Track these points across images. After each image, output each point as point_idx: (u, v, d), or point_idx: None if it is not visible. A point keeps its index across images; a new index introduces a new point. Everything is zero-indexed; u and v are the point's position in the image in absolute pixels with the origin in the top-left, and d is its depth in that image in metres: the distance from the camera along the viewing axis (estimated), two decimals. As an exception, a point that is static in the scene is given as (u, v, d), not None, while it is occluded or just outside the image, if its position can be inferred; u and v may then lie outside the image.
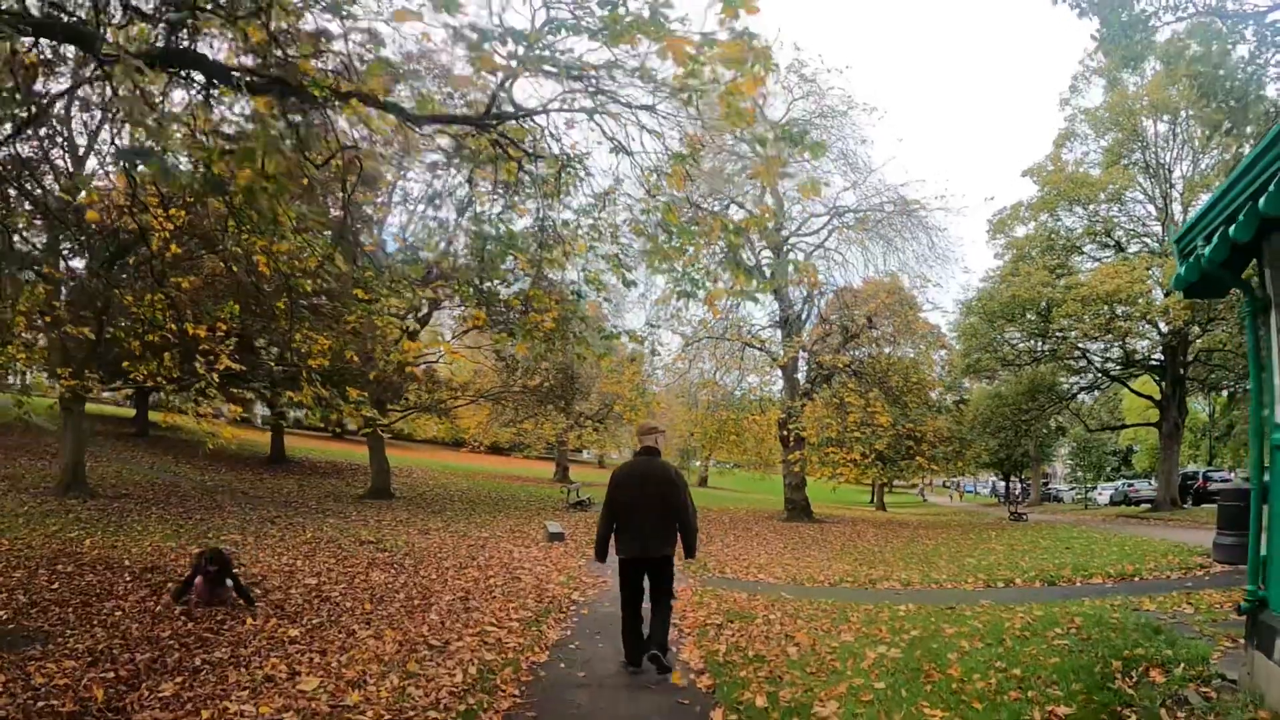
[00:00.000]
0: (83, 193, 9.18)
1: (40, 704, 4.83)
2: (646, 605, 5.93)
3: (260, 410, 35.55)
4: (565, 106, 6.60)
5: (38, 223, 14.67)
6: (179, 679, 5.35)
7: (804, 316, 26.03)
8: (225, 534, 12.73)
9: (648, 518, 5.73)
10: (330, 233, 8.80)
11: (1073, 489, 48.18)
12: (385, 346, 10.76)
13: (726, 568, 12.46)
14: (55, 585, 7.86)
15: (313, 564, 10.55)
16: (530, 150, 6.86)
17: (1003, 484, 53.84)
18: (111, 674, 5.37)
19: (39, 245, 15.02)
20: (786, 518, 24.32)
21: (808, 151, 5.26)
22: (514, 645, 6.59)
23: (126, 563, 9.39)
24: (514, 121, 6.50)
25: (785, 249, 25.23)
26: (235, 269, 10.18)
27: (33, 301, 9.72)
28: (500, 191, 7.40)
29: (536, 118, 6.29)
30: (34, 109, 6.89)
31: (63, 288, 14.52)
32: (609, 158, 7.01)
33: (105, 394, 34.20)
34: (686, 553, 5.97)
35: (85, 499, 14.77)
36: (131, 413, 30.61)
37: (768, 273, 24.51)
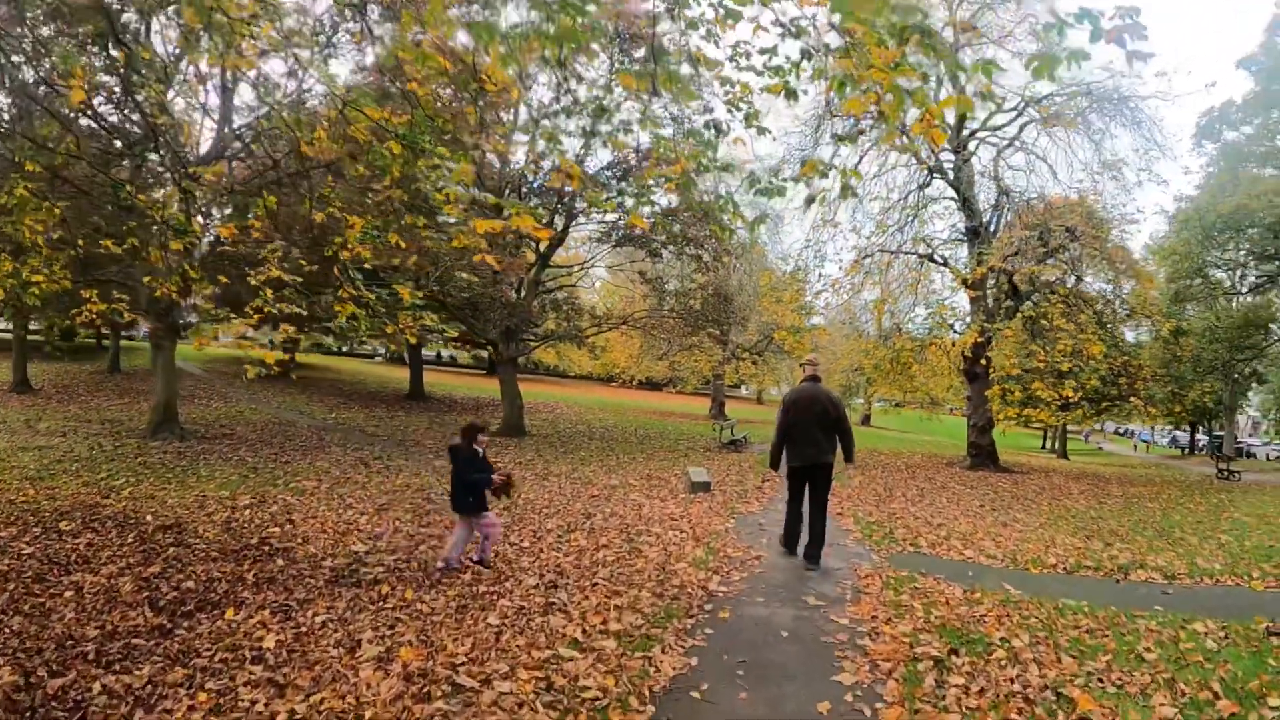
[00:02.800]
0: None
1: None
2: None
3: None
4: None
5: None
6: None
7: (993, 228, 21.37)
8: (298, 478, 10.87)
9: (814, 432, 6.88)
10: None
11: (1267, 443, 44.44)
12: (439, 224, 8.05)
13: (920, 537, 8.98)
14: (31, 550, 6.01)
15: (370, 522, 8.26)
16: None
17: (1183, 435, 45.75)
18: None
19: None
20: (970, 465, 20.31)
21: None
22: (594, 692, 3.82)
23: (149, 518, 7.47)
24: None
25: (972, 146, 20.63)
26: (255, 148, 7.83)
27: None
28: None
29: None
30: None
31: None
32: None
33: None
34: (846, 457, 7.04)
35: (171, 441, 13.53)
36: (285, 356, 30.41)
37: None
